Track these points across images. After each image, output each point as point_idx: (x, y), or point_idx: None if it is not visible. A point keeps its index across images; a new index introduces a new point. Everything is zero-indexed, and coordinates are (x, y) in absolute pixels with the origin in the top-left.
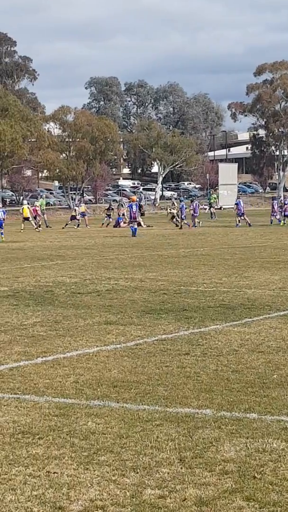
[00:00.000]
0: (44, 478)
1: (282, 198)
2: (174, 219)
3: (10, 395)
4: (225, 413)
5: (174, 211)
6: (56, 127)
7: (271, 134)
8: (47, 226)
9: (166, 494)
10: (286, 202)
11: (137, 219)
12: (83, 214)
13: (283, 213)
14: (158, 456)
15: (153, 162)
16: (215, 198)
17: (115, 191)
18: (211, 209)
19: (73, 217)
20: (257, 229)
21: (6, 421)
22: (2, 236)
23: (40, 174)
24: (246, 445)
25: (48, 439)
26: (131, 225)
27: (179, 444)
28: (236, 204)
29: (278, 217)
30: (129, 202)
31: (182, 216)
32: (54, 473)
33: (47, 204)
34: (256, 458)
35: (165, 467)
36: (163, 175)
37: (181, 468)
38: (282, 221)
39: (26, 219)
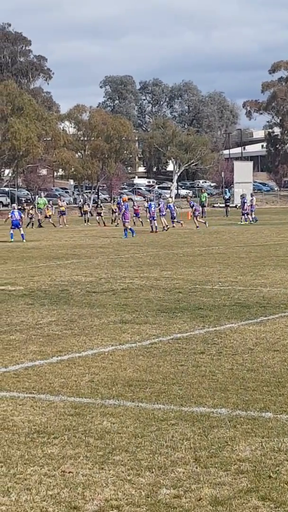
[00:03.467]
0: (59, 478)
1: None
2: (175, 220)
3: (25, 394)
4: (241, 412)
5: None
6: (71, 126)
7: (286, 132)
8: (39, 226)
9: (182, 494)
10: None
11: (127, 220)
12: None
13: None
14: (173, 455)
15: (168, 161)
16: (205, 197)
17: (130, 189)
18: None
19: (85, 212)
20: (273, 228)
21: (21, 420)
22: (24, 239)
23: (55, 173)
24: (262, 444)
25: (63, 439)
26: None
27: (194, 444)
28: (244, 202)
29: None
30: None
31: (151, 218)
32: (69, 472)
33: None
34: (272, 458)
35: (180, 466)
36: (178, 174)
37: (197, 467)
38: None
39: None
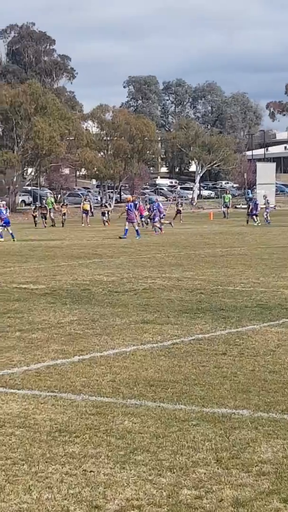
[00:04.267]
0: (81, 477)
1: None
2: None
3: (47, 393)
4: (262, 414)
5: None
6: (94, 126)
7: None
8: (52, 225)
9: (203, 495)
10: None
11: (134, 220)
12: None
13: None
14: (195, 456)
15: (191, 161)
16: (229, 198)
17: (153, 190)
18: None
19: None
20: None
21: (43, 419)
22: (14, 238)
23: (77, 173)
24: (283, 446)
25: (84, 438)
26: (127, 227)
27: (216, 445)
28: (256, 204)
29: None
30: (128, 203)
31: (156, 219)
32: (90, 471)
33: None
34: None
35: (202, 467)
36: (201, 174)
37: (218, 468)
38: None
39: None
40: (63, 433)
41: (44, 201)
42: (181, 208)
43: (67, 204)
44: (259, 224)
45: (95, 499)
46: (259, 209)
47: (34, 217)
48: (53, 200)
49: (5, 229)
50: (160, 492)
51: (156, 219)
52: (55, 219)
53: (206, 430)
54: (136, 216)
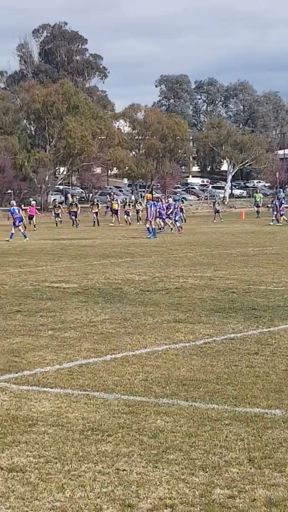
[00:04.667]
0: (113, 476)
1: None
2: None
3: (79, 391)
4: None
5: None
6: (126, 125)
7: None
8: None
9: (236, 494)
10: None
11: (151, 219)
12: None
13: None
14: (227, 455)
15: (222, 160)
16: (260, 197)
17: (184, 189)
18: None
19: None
20: None
21: (75, 417)
22: (11, 238)
23: (109, 172)
24: None
25: (117, 437)
26: (147, 225)
27: (248, 444)
28: (282, 203)
29: None
30: (147, 201)
31: (177, 218)
32: (123, 470)
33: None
34: None
35: (235, 467)
36: (233, 173)
37: (251, 468)
38: None
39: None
40: (95, 431)
41: (71, 199)
42: (218, 208)
43: (98, 204)
44: (280, 224)
45: (127, 498)
46: (284, 209)
47: (69, 213)
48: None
49: (18, 228)
50: (193, 491)
51: (177, 217)
52: (62, 220)
53: (239, 430)
54: (154, 214)
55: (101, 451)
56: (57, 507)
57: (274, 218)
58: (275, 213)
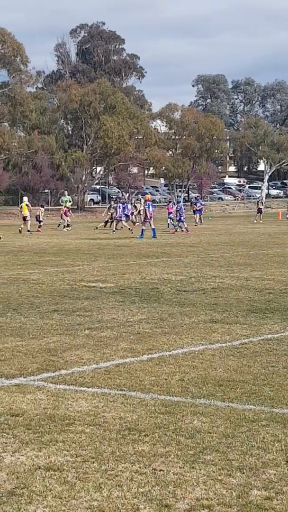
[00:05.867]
0: (150, 476)
1: None
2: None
3: (116, 391)
4: None
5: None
6: (163, 125)
7: None
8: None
9: (273, 496)
10: None
11: (151, 220)
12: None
13: None
14: (265, 457)
15: (259, 160)
16: None
17: (221, 189)
18: None
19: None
20: None
21: (112, 417)
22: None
23: (146, 171)
24: None
25: (154, 437)
26: (143, 226)
27: (286, 446)
28: None
29: None
30: (146, 201)
31: (182, 218)
32: (160, 470)
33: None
34: None
35: (272, 468)
36: (269, 173)
37: None
38: None
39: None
40: (132, 431)
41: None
42: (262, 207)
43: (135, 205)
44: None
45: (164, 498)
46: None
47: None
48: (69, 198)
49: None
50: (230, 492)
51: (183, 218)
52: (65, 222)
53: (276, 431)
54: (151, 215)
55: (138, 451)
56: (94, 506)
57: None
58: None
